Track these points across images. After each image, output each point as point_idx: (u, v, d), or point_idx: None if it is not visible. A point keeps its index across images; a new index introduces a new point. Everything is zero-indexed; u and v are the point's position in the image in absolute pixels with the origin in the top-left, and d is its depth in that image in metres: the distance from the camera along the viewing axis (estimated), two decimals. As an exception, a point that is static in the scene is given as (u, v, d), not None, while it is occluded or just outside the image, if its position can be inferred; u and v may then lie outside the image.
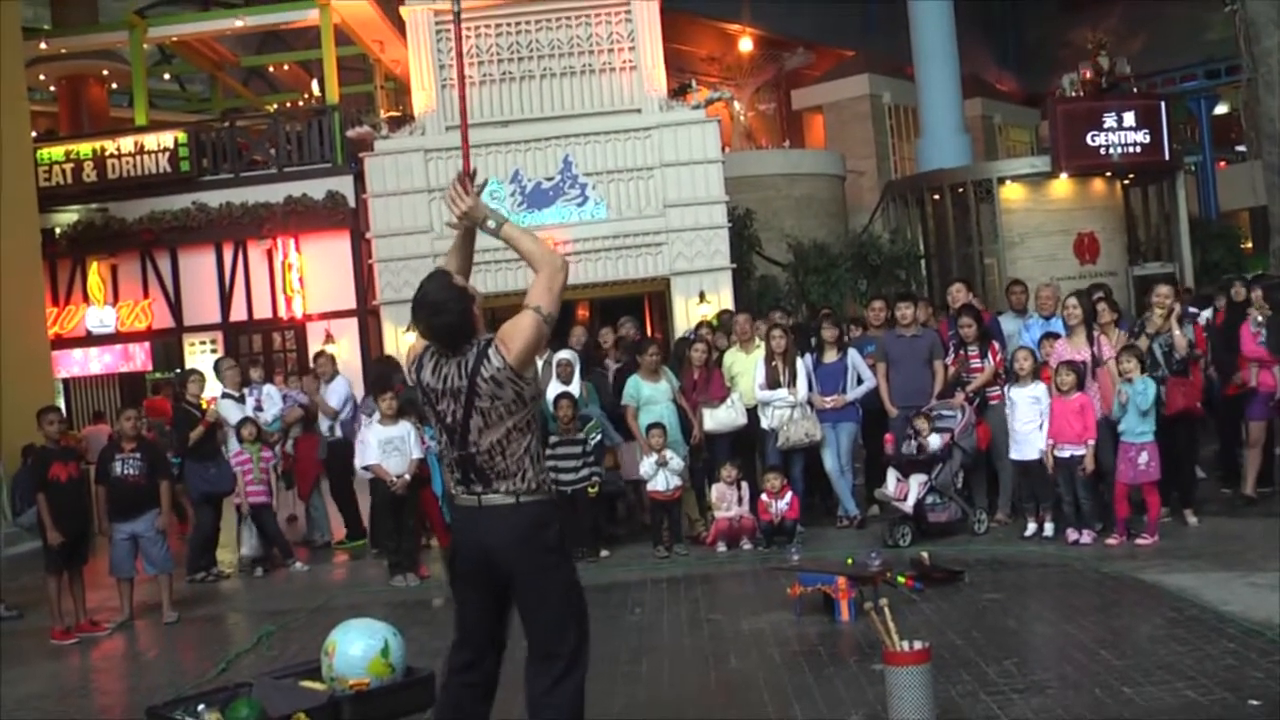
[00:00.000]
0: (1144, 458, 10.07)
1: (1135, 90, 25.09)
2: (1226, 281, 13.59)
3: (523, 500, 4.91)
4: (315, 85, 25.58)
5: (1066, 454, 10.38)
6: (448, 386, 4.92)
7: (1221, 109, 35.89)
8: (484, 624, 5.09)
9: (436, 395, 4.97)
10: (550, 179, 17.38)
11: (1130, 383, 10.08)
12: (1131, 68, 25.70)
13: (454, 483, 5.06)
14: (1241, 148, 34.09)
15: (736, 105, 29.32)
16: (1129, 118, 21.13)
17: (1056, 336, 11.38)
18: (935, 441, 10.92)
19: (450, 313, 4.89)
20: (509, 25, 17.64)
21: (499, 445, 4.89)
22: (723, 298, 17.06)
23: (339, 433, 13.17)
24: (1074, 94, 23.26)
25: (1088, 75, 23.17)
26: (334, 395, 13.29)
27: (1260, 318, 10.77)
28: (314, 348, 19.26)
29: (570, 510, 11.05)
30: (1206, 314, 12.59)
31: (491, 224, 5.13)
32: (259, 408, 13.05)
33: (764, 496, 11.20)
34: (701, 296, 17.02)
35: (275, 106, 25.07)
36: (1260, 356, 11.01)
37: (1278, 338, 10.14)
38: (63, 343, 19.93)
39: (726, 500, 11.28)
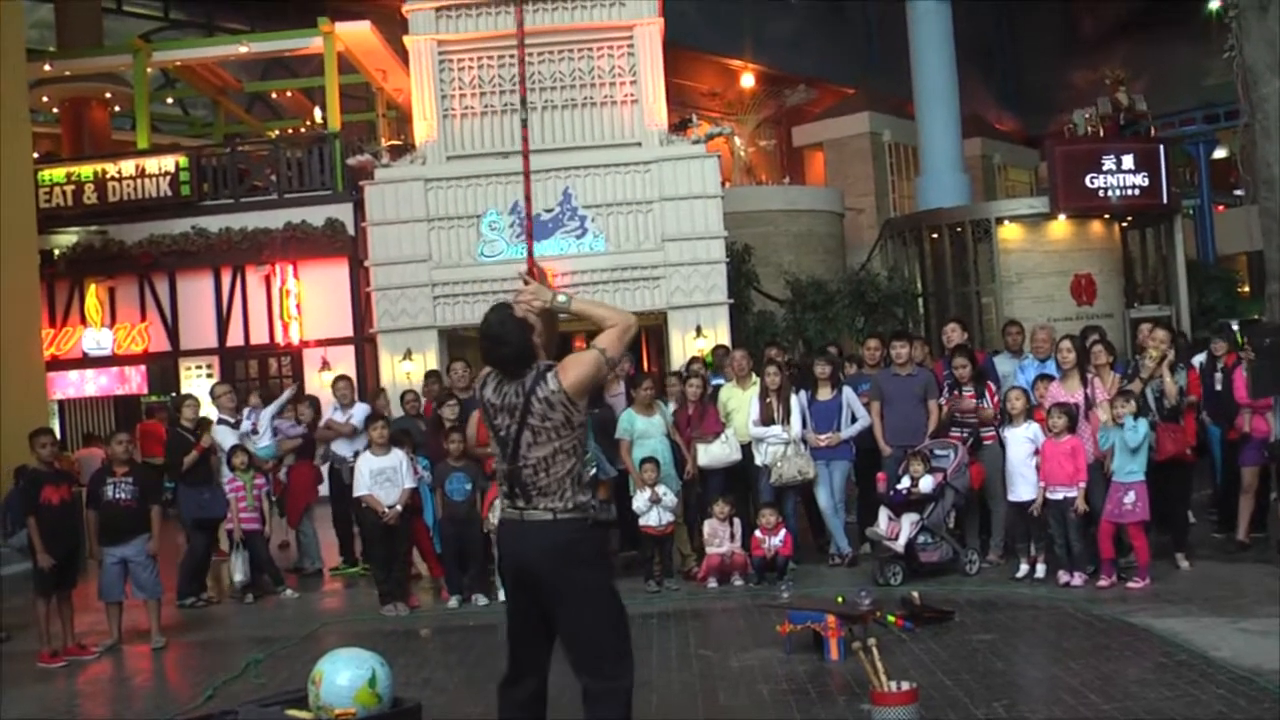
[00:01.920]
0: (1130, 497, 10.07)
1: (1152, 128, 25.23)
2: (1221, 326, 13.62)
3: (560, 517, 5.27)
4: (317, 112, 25.67)
5: (1059, 496, 10.38)
6: (506, 403, 5.33)
7: (1220, 153, 35.99)
8: (528, 637, 5.42)
9: (495, 410, 5.38)
10: (550, 211, 17.41)
11: (1120, 426, 10.10)
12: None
13: (501, 495, 5.47)
14: (1239, 192, 34.20)
15: (737, 141, 29.40)
16: (1128, 160, 21.20)
17: (1052, 378, 11.40)
18: (928, 483, 10.92)
19: (511, 344, 5.32)
20: (511, 57, 17.70)
21: (544, 462, 5.27)
22: (719, 332, 17.08)
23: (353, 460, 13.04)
24: (1088, 129, 23.30)
25: (1112, 106, 23.20)
26: (356, 421, 13.21)
27: (1246, 362, 10.78)
28: (310, 374, 19.34)
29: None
30: (1200, 359, 12.59)
31: (562, 299, 5.55)
32: (254, 431, 13.04)
33: (758, 533, 11.18)
34: (698, 331, 17.05)
35: (277, 133, 25.16)
36: (1252, 403, 11.01)
37: (1260, 381, 10.14)
38: (59, 364, 19.95)
39: (719, 536, 11.26)
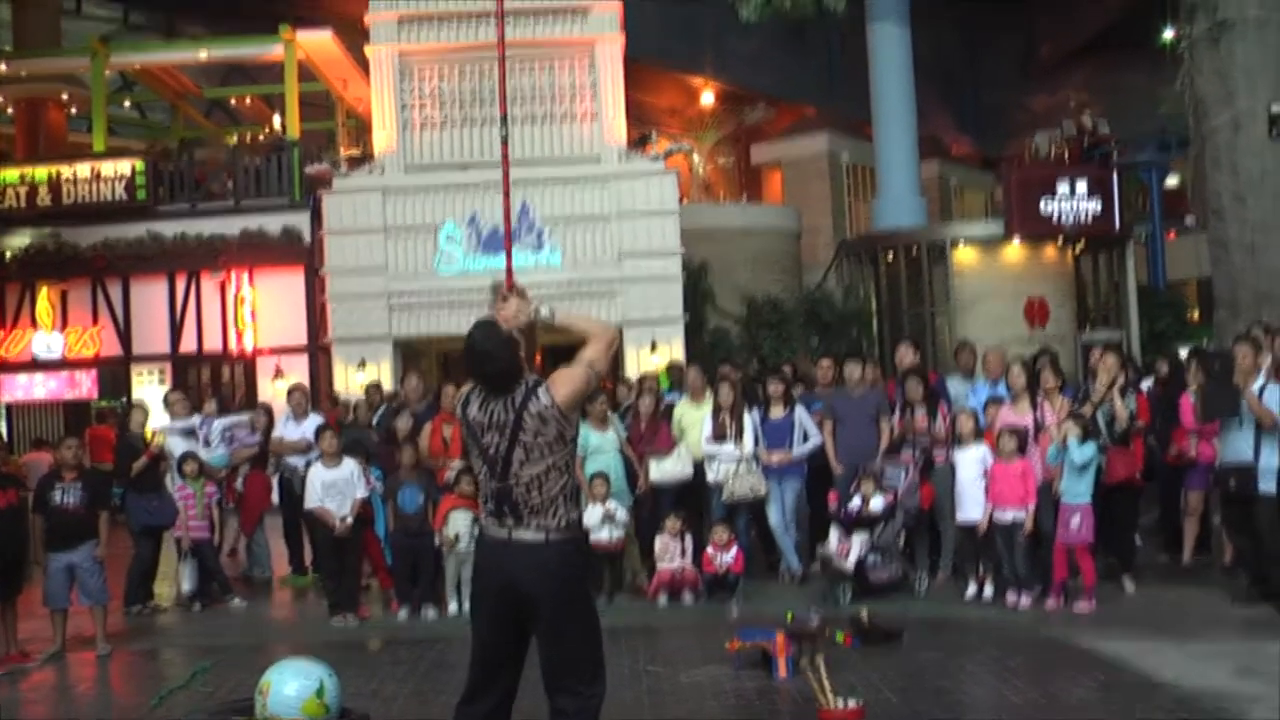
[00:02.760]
0: (1076, 520, 10.19)
1: (1115, 152, 25.50)
2: (1169, 351, 13.79)
3: (552, 538, 5.14)
4: (276, 120, 25.58)
5: (1008, 517, 10.46)
6: (494, 420, 5.18)
7: (1173, 181, 36.34)
8: (498, 657, 5.28)
9: (482, 429, 5.22)
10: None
11: (1067, 449, 10.22)
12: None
13: (486, 514, 5.30)
14: (1190, 219, 34.54)
15: (696, 158, 29.52)
16: (1082, 186, 21.43)
17: (1003, 401, 11.49)
18: (879, 502, 10.98)
19: (501, 359, 5.19)
20: (472, 69, 17.75)
21: (537, 480, 5.14)
22: (675, 348, 17.14)
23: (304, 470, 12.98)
24: (1052, 151, 23.48)
25: (1076, 129, 23.38)
26: (310, 432, 13.14)
27: (1194, 386, 10.92)
28: (263, 382, 19.24)
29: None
30: (1148, 383, 12.74)
31: (545, 312, 5.48)
32: (206, 443, 12.97)
33: (710, 549, 11.21)
34: (654, 346, 17.10)
35: (235, 139, 25.06)
36: (1199, 427, 11.14)
37: (1208, 405, 10.27)
38: (7, 367, 19.80)
39: (670, 552, 11.28)
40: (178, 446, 12.53)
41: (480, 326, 5.31)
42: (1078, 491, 10.25)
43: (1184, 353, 14.73)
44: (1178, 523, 12.23)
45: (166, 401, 13.46)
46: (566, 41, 17.87)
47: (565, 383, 5.21)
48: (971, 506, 10.78)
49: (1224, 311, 14.06)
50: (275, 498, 13.58)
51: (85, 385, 20.59)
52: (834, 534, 11.10)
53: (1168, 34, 16.83)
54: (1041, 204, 21.25)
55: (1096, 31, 40.41)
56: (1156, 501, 12.79)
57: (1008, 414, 11.13)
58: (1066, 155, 23.45)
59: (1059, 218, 21.31)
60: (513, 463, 5.15)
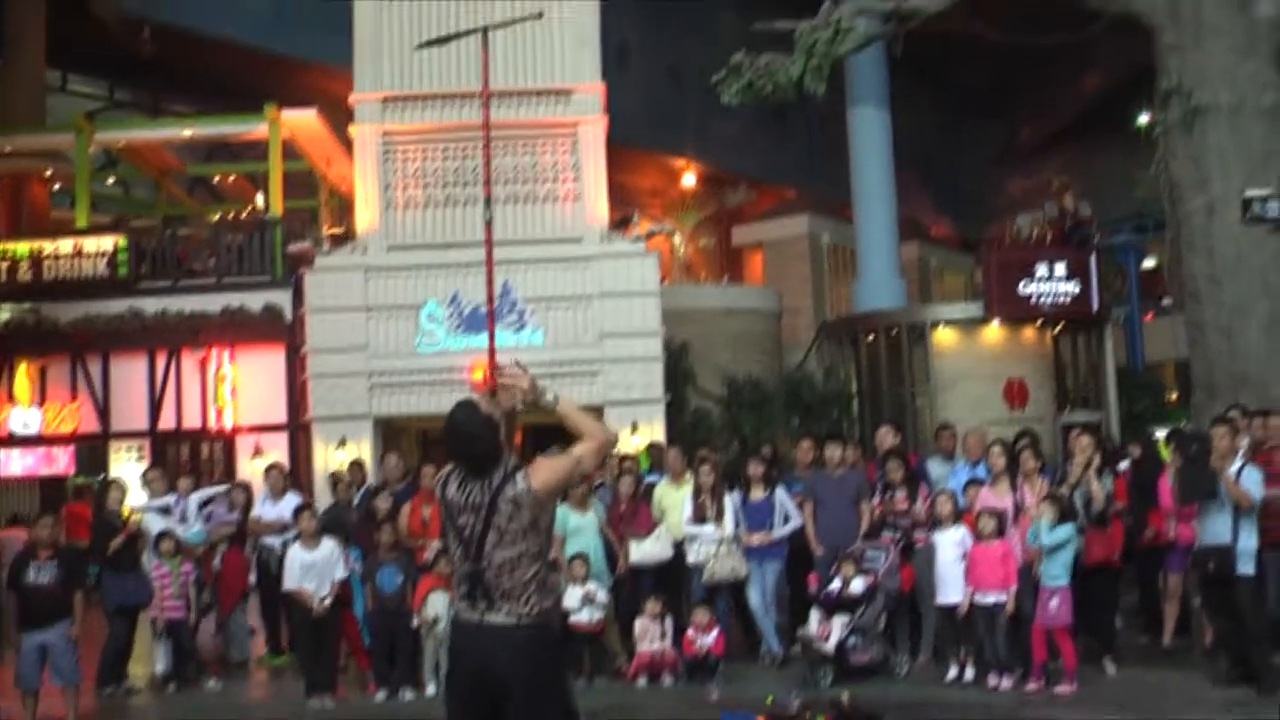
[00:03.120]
0: (1054, 603, 10.21)
1: (1097, 234, 25.71)
2: (1142, 434, 13.85)
3: (524, 623, 5.12)
4: (259, 197, 25.66)
5: (990, 600, 10.46)
6: (470, 501, 5.20)
7: (1150, 263, 36.65)
8: None
9: (459, 509, 5.23)
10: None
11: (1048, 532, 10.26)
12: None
13: (459, 597, 5.29)
14: (1168, 302, 34.80)
15: (677, 239, 29.69)
16: (1060, 268, 21.54)
17: (983, 482, 11.53)
18: (859, 585, 10.96)
19: (483, 441, 5.22)
20: (455, 149, 17.86)
21: (509, 564, 5.13)
22: (655, 429, 17.13)
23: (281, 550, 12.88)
24: (1033, 232, 23.60)
25: (1058, 211, 23.52)
26: (288, 511, 13.09)
27: (1172, 468, 10.96)
28: (242, 460, 19.16)
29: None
30: (1125, 465, 12.79)
31: (550, 398, 5.50)
32: (182, 519, 12.89)
33: (690, 631, 11.18)
34: (634, 427, 17.08)
35: (218, 216, 25.14)
36: (1178, 510, 11.16)
37: (1186, 488, 10.30)
38: (-17, 442, 19.66)
39: (650, 634, 11.24)
40: (155, 524, 12.45)
41: (462, 407, 5.34)
42: (1054, 574, 10.28)
43: (1161, 434, 14.79)
44: (1158, 605, 12.24)
45: (144, 479, 13.41)
46: (550, 123, 18.01)
47: (546, 471, 5.25)
48: (951, 588, 10.78)
49: (1201, 393, 14.14)
50: (253, 577, 13.48)
51: (62, 461, 20.46)
52: (814, 616, 11.08)
53: (1143, 119, 17.06)
54: (1020, 286, 21.35)
55: (1074, 116, 40.93)
56: (1135, 584, 12.81)
57: (988, 496, 11.16)
58: (1049, 236, 23.61)
59: (1038, 299, 21.41)
60: (486, 545, 5.15)
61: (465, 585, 5.23)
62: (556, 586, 5.31)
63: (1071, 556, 10.41)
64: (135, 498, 13.38)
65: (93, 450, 20.11)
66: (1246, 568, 9.89)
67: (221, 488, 13.94)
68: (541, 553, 5.23)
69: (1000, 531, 10.57)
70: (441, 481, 5.38)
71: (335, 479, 13.97)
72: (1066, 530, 10.37)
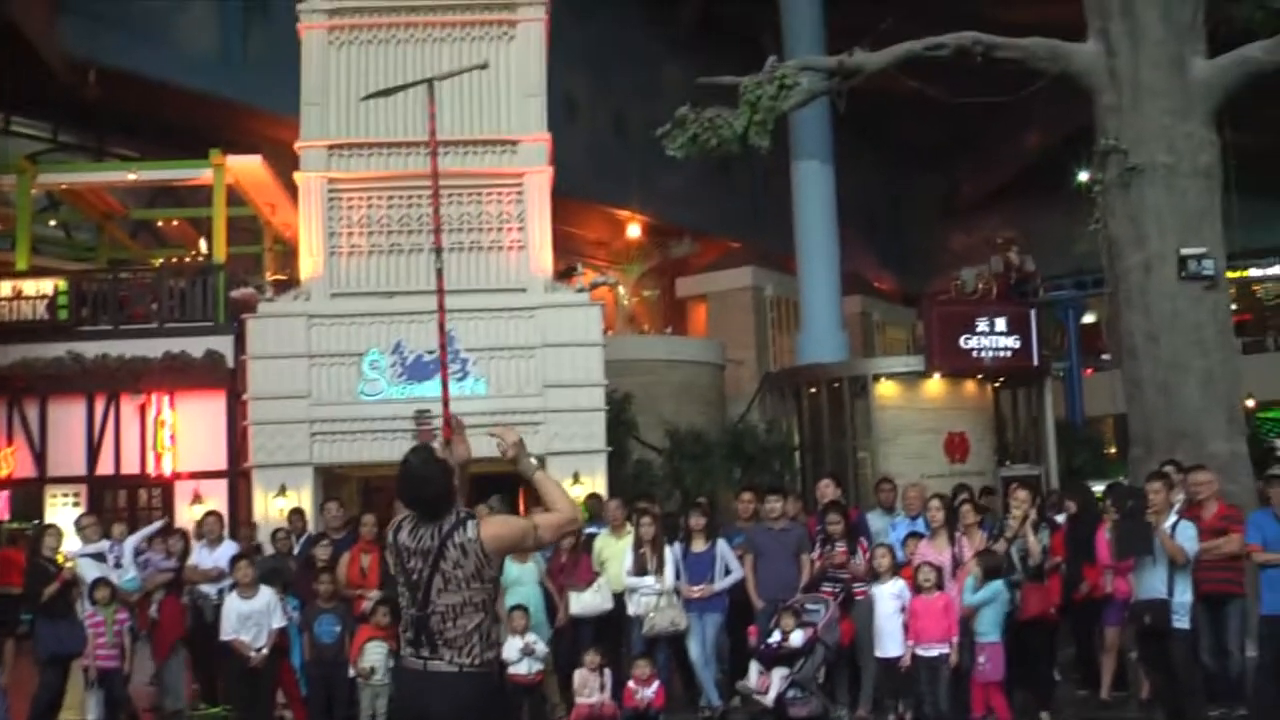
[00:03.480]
0: (983, 658, 10.29)
1: (1040, 288, 25.94)
2: (1077, 488, 13.97)
3: (466, 670, 5.18)
4: (203, 242, 25.52)
5: (933, 653, 10.50)
6: (420, 546, 5.27)
7: (1089, 318, 37.14)
8: None
9: (409, 554, 5.31)
10: (432, 353, 17.38)
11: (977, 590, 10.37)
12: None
13: (405, 643, 5.37)
14: (1106, 356, 35.24)
15: (621, 290, 29.79)
16: (1001, 323, 21.78)
17: (922, 536, 11.60)
18: (799, 637, 10.98)
19: (435, 484, 5.32)
20: (400, 198, 17.87)
21: (452, 611, 5.19)
22: (598, 480, 17.11)
23: (217, 598, 12.74)
24: (978, 286, 23.81)
25: (1004, 265, 23.75)
26: (224, 559, 12.97)
27: (1110, 523, 11.07)
28: (180, 506, 18.97)
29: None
30: (1062, 518, 12.89)
31: (533, 462, 5.60)
32: (117, 565, 12.72)
33: (631, 683, 11.14)
34: (576, 478, 17.05)
35: (161, 261, 24.97)
36: (1115, 564, 11.26)
37: (1123, 543, 10.41)
38: (-85, 487, 19.35)
39: (589, 686, 11.19)
40: (89, 571, 12.28)
41: (416, 451, 5.47)
42: (984, 630, 10.38)
43: (1099, 489, 14.95)
44: (1095, 658, 12.32)
45: (78, 525, 13.23)
46: (496, 173, 18.04)
47: (500, 526, 5.36)
48: (890, 641, 10.81)
49: (1139, 449, 14.30)
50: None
51: (-4, 507, 20.19)
52: (754, 669, 11.08)
53: (1083, 176, 17.32)
54: (962, 340, 21.55)
55: (1015, 173, 41.50)
56: (1073, 637, 12.90)
57: (926, 549, 11.23)
58: (994, 290, 23.84)
59: (979, 354, 21.62)
60: (432, 590, 5.21)
61: (410, 631, 5.29)
62: (499, 639, 5.35)
63: (1002, 612, 10.50)
64: (70, 544, 13.21)
65: (28, 495, 19.82)
66: (1182, 622, 10.00)
67: (156, 525, 13.75)
68: (486, 604, 5.28)
69: (940, 584, 10.63)
70: (395, 527, 5.45)
71: (275, 535, 13.83)
72: (994, 587, 10.46)
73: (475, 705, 5.19)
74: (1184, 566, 9.95)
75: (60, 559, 12.41)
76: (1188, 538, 10.00)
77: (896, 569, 11.04)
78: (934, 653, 10.49)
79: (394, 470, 5.54)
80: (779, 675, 10.88)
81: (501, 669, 11.24)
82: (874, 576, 11.13)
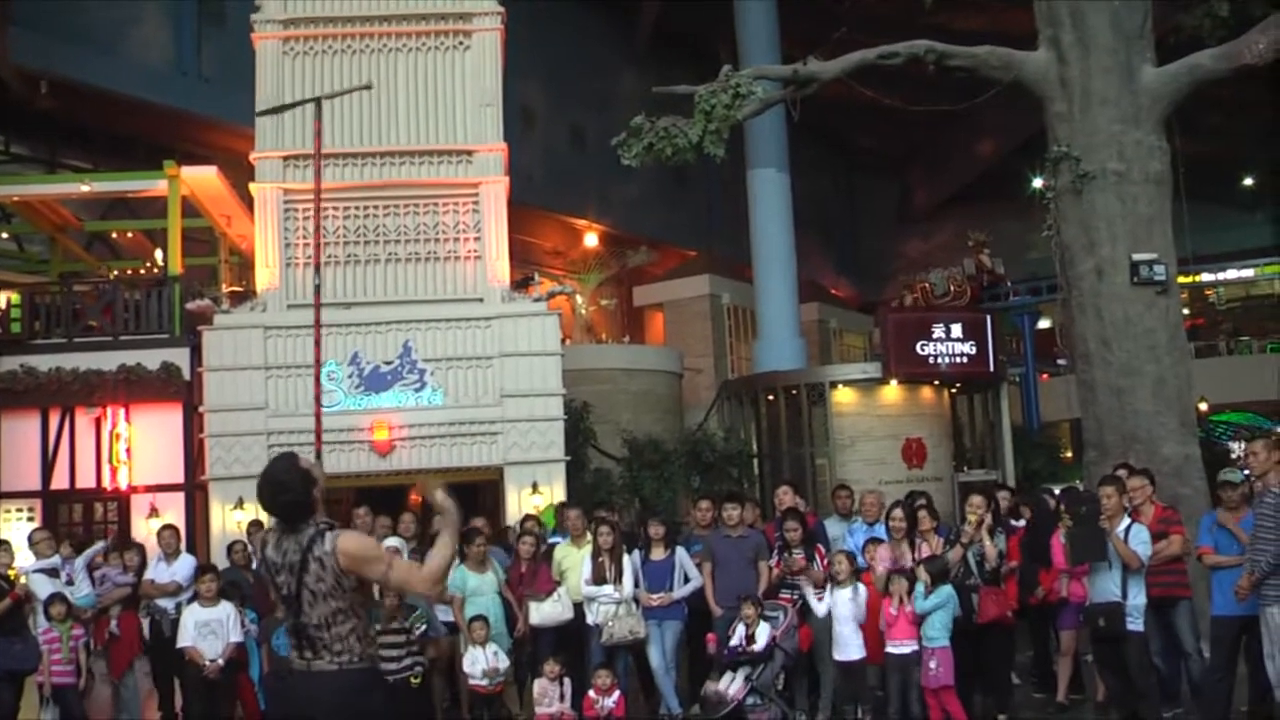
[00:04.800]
0: (934, 663, 10.38)
1: (1010, 289, 25.98)
2: (1031, 494, 14.09)
3: (346, 668, 5.33)
4: (159, 254, 25.37)
5: (905, 650, 10.60)
6: (286, 560, 5.35)
7: (1044, 324, 37.44)
8: None
9: (277, 568, 5.39)
10: (389, 363, 17.39)
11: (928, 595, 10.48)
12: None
13: (291, 648, 5.50)
14: (1062, 362, 35.56)
15: (579, 299, 29.80)
16: (956, 329, 21.90)
17: (880, 541, 11.69)
18: (764, 630, 11.02)
19: (293, 491, 5.38)
20: (357, 209, 17.82)
21: (326, 621, 5.32)
22: (556, 489, 17.10)
23: (174, 613, 12.66)
24: (950, 288, 23.90)
25: (975, 268, 23.82)
26: (181, 572, 12.90)
27: (1064, 528, 11.16)
28: (137, 520, 18.83)
29: (391, 700, 10.87)
30: (1020, 522, 13.00)
31: (449, 507, 5.61)
32: (70, 582, 12.62)
33: (592, 693, 11.16)
34: (534, 487, 17.06)
35: (115, 273, 24.80)
36: (1069, 568, 11.35)
37: (1076, 548, 10.51)
38: None
39: (548, 696, 11.20)
40: (42, 587, 12.19)
41: (279, 458, 5.59)
42: (932, 635, 10.47)
43: (1057, 491, 15.09)
44: (1051, 661, 12.42)
45: (31, 540, 13.12)
46: (451, 183, 18.01)
47: (355, 543, 5.40)
48: (849, 646, 10.89)
49: (1093, 452, 14.44)
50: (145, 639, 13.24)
51: (-51, 523, 20.00)
52: (716, 673, 11.14)
53: (1037, 183, 17.49)
54: (918, 346, 21.66)
55: (969, 180, 41.82)
56: (1029, 640, 13.00)
57: (886, 554, 11.32)
58: (968, 293, 23.87)
59: (935, 360, 21.73)
60: (303, 603, 5.34)
61: (293, 637, 5.44)
62: (375, 638, 5.45)
63: (950, 618, 10.59)
64: (23, 559, 13.10)
65: (-20, 511, 19.65)
66: (1136, 624, 10.12)
67: (99, 546, 13.60)
68: (355, 608, 5.40)
69: (910, 589, 10.72)
70: (261, 543, 5.56)
71: (232, 548, 13.78)
72: (944, 592, 10.57)
73: (355, 703, 5.34)
74: (1138, 570, 10.07)
75: (13, 574, 12.28)
76: (1140, 541, 10.12)
77: (856, 575, 11.12)
78: (905, 650, 10.59)
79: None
80: (740, 675, 10.94)
81: (457, 677, 11.27)
82: (834, 582, 11.20)
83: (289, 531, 5.40)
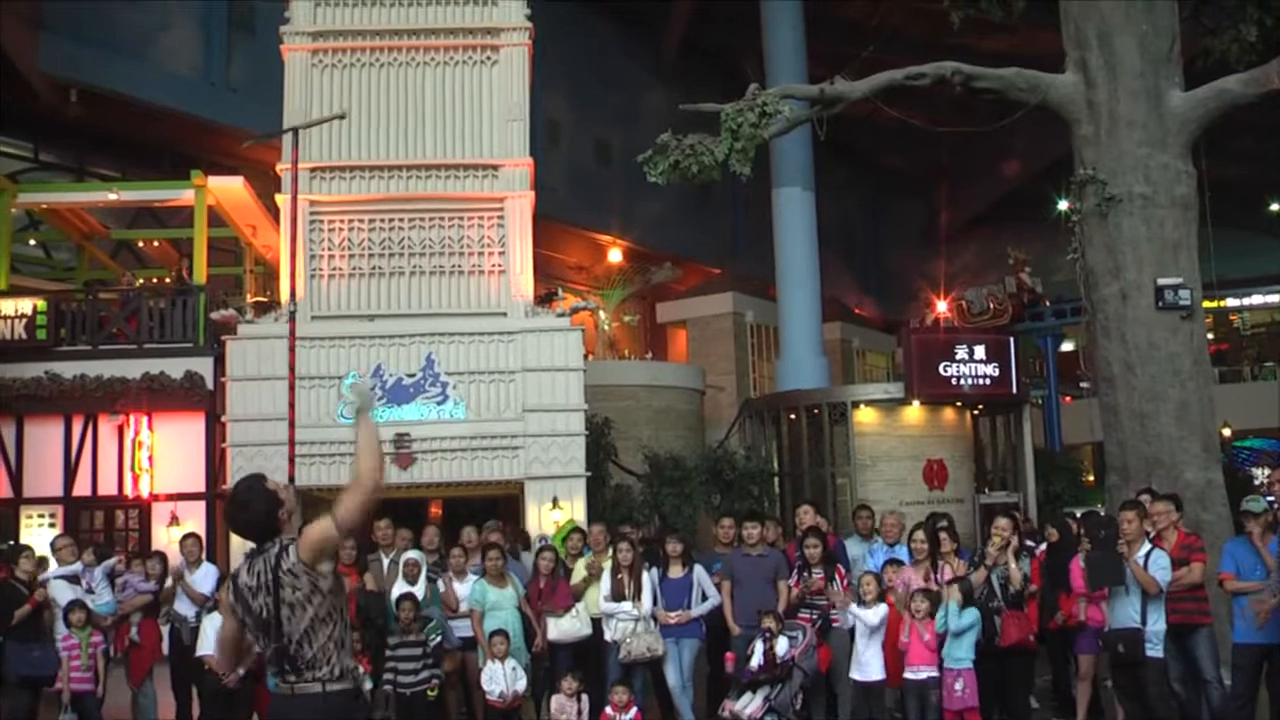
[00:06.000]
0: (960, 685, 10.32)
1: (1047, 307, 25.73)
2: (1056, 517, 14.02)
3: (329, 689, 5.32)
4: (184, 263, 25.50)
5: (922, 676, 10.56)
6: (261, 582, 5.33)
7: (1068, 346, 37.32)
8: None
9: (252, 592, 5.38)
10: (412, 376, 17.40)
11: (957, 615, 10.41)
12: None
13: (272, 674, 5.48)
14: (1085, 384, 35.41)
15: (602, 315, 29.81)
16: (980, 351, 21.85)
17: (901, 563, 11.66)
18: (784, 645, 10.99)
19: (254, 511, 5.43)
20: (382, 221, 17.85)
21: (306, 635, 5.30)
22: (576, 505, 17.08)
23: (195, 621, 12.67)
24: (989, 305, 23.72)
25: (1016, 286, 23.61)
26: (205, 582, 12.93)
27: (1083, 552, 11.11)
28: (158, 528, 18.92)
29: (408, 713, 10.91)
30: (1042, 546, 12.95)
31: (371, 414, 5.61)
32: (90, 590, 12.66)
33: (609, 709, 11.14)
34: (555, 502, 17.04)
35: (141, 282, 24.94)
36: (1088, 592, 11.30)
37: (1095, 573, 10.45)
38: (-112, 506, 19.25)
39: (566, 712, 11.18)
40: (63, 594, 12.23)
41: (246, 478, 5.59)
42: (959, 656, 10.41)
43: (1078, 515, 15.02)
44: (1070, 685, 12.37)
45: (53, 547, 13.18)
46: (477, 197, 18.03)
47: (306, 537, 5.35)
48: (870, 667, 10.86)
49: (1115, 476, 14.37)
50: (166, 648, 13.28)
51: (-30, 528, 20.10)
52: (733, 693, 11.11)
53: (1062, 205, 17.40)
54: (941, 367, 21.61)
55: (994, 201, 41.73)
56: (1049, 664, 12.94)
57: (910, 576, 11.29)
58: (1009, 311, 23.68)
59: (958, 381, 21.68)
60: (282, 621, 5.32)
61: (274, 663, 5.41)
62: (353, 643, 5.45)
63: (973, 639, 10.55)
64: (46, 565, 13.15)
65: (2, 516, 19.74)
66: (1155, 650, 10.06)
67: (112, 561, 13.61)
68: (331, 614, 5.38)
69: (932, 612, 10.68)
70: (234, 573, 5.53)
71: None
72: (973, 614, 10.52)
73: (339, 716, 5.37)
74: (1157, 596, 10.02)
75: (34, 581, 12.33)
76: (1160, 567, 10.07)
77: (880, 596, 11.08)
78: (923, 675, 10.54)
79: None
80: (760, 696, 10.91)
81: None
82: (859, 602, 11.15)
83: (258, 553, 5.41)
